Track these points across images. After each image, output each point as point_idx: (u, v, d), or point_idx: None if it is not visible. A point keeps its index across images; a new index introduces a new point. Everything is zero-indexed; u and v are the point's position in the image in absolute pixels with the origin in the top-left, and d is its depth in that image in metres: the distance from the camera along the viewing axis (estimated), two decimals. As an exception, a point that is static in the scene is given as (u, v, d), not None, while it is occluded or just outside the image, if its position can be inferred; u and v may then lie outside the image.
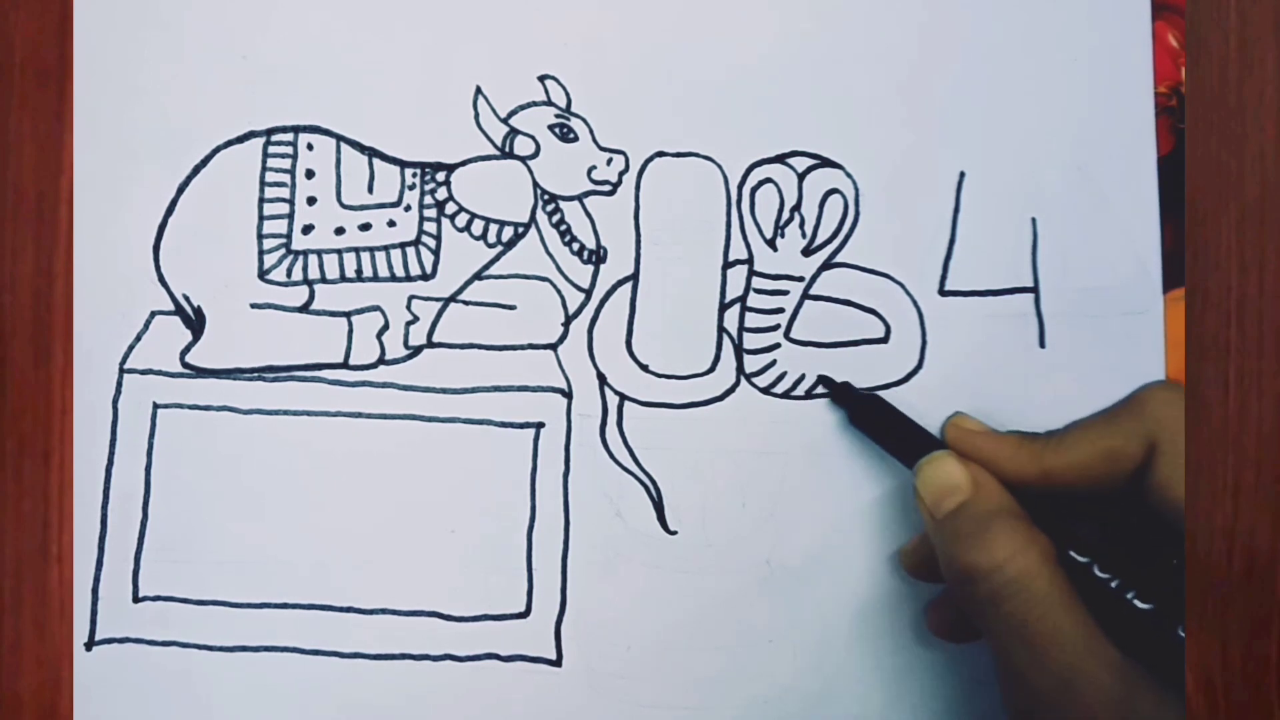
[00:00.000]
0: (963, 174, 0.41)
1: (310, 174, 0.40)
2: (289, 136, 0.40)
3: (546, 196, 0.40)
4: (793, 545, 0.40)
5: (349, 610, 0.39)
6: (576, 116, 0.41)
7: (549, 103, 0.41)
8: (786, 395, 0.40)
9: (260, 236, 0.40)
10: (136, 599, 0.39)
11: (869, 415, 0.39)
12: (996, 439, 0.37)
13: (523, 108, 0.41)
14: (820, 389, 0.40)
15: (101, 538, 0.40)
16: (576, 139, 0.41)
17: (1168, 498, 0.34)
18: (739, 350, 0.40)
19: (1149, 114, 0.41)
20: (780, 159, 0.41)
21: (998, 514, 0.34)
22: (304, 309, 0.40)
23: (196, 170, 0.40)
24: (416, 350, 0.40)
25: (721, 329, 0.40)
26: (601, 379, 0.40)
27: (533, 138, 0.41)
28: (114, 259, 0.40)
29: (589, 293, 0.40)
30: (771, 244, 0.40)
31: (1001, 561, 0.33)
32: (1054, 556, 0.33)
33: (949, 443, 0.37)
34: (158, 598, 0.39)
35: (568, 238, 0.40)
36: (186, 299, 0.40)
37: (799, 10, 0.41)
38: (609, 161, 0.40)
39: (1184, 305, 0.40)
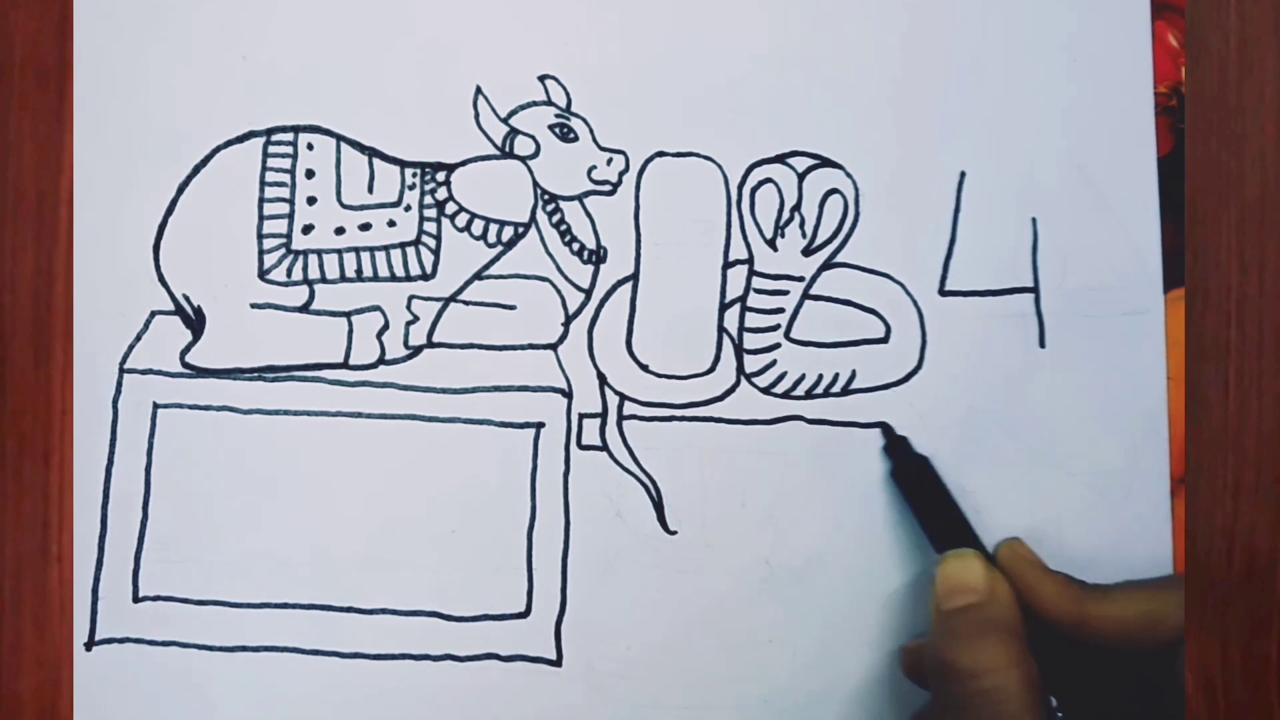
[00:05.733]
0: (963, 174, 0.41)
1: (310, 174, 0.40)
2: (289, 136, 0.40)
3: (546, 196, 0.40)
4: (793, 545, 0.40)
5: (349, 610, 0.39)
6: (576, 116, 0.41)
7: (549, 103, 0.41)
8: (786, 395, 0.40)
9: (260, 236, 0.40)
10: (136, 599, 0.39)
11: (914, 478, 0.39)
12: (1045, 574, 0.37)
13: (523, 108, 0.41)
14: (880, 432, 0.40)
15: (101, 538, 0.39)
16: (576, 139, 0.41)
17: None
18: (739, 350, 0.40)
19: (1149, 114, 0.41)
20: (780, 159, 0.41)
21: (999, 626, 0.34)
22: (304, 309, 0.40)
23: (196, 170, 0.40)
24: (416, 350, 0.40)
25: (721, 329, 0.40)
26: (601, 379, 0.40)
27: (533, 138, 0.40)
28: (114, 259, 0.40)
29: (589, 293, 0.40)
30: (771, 244, 0.40)
31: (984, 670, 0.33)
32: (1037, 685, 0.33)
33: (1000, 560, 0.37)
34: (158, 598, 0.39)
35: (568, 238, 0.40)
36: (186, 299, 0.40)
37: (799, 10, 0.41)
38: (609, 161, 0.40)
39: (1184, 305, 0.40)
